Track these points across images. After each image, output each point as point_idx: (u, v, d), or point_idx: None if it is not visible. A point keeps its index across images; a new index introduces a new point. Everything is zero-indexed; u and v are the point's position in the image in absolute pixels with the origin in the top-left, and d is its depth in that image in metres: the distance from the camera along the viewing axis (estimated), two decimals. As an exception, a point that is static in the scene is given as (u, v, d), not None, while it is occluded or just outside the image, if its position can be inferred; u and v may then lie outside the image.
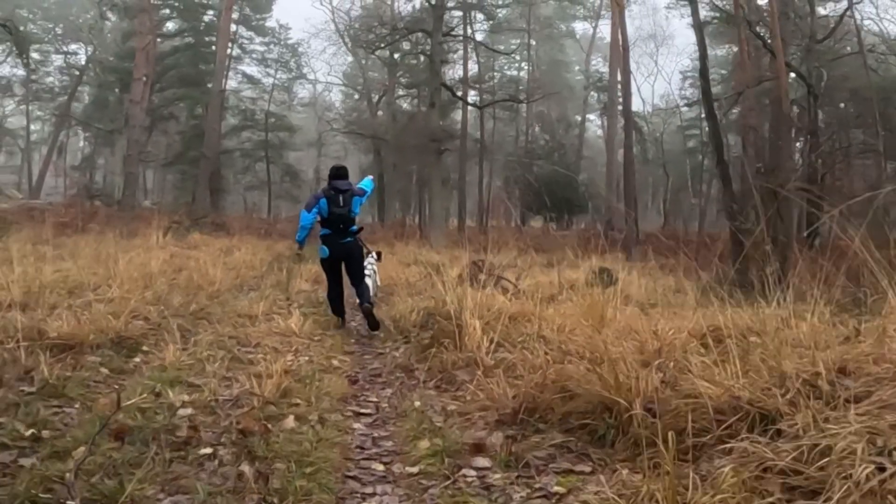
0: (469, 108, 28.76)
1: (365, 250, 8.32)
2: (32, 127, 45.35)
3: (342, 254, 7.00)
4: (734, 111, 34.87)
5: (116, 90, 35.23)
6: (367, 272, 8.61)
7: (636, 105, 30.47)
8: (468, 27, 28.23)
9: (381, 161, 31.35)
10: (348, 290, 7.39)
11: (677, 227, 34.03)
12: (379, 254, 9.73)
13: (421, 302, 7.04)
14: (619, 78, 28.38)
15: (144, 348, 5.47)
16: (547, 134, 32.79)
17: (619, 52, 28.48)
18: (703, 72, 15.88)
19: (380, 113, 33.58)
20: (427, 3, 24.00)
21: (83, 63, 39.61)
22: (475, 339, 4.96)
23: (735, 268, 14.23)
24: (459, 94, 26.80)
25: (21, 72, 41.21)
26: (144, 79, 31.78)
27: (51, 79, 41.21)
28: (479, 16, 29.18)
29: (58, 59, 40.78)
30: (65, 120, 39.06)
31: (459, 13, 27.14)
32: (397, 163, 30.23)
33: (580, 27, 38.92)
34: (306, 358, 5.41)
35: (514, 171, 31.94)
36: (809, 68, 21.13)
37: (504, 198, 30.19)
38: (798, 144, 24.15)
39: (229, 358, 5.17)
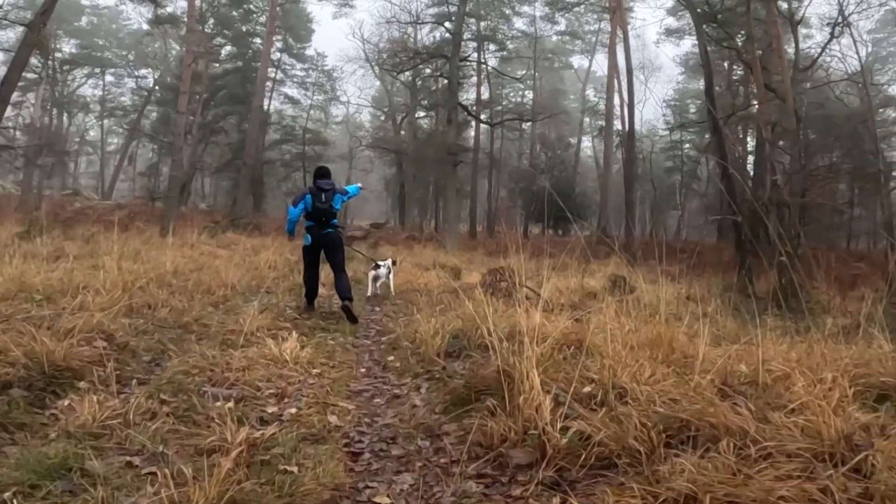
0: (480, 126, 26.61)
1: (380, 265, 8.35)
2: (113, 139, 44.46)
3: (323, 243, 6.51)
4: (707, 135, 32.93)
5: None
6: (382, 272, 8.25)
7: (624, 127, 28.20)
8: (482, 54, 26.05)
9: (403, 173, 29.54)
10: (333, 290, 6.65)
11: (660, 236, 31.86)
12: (394, 261, 9.20)
13: (447, 320, 4.85)
14: (615, 102, 26.25)
15: (82, 385, 3.31)
16: (548, 151, 30.53)
17: (615, 80, 26.36)
18: (709, 91, 13.70)
19: (402, 132, 31.59)
20: (448, 34, 22.06)
21: (151, 85, 38.02)
22: (533, 399, 2.74)
23: (738, 276, 11.98)
24: (474, 111, 24.64)
25: (98, 92, 40.30)
26: (200, 96, 29.97)
27: (124, 98, 40.07)
28: (492, 46, 27.07)
29: (130, 82, 39.64)
30: (135, 133, 38.05)
31: (474, 43, 25.06)
32: (416, 174, 28.36)
33: (576, 61, 36.68)
34: (294, 409, 3.21)
35: (518, 183, 29.78)
36: (793, 94, 18.82)
37: (509, 206, 28.05)
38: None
39: (182, 411, 2.99)
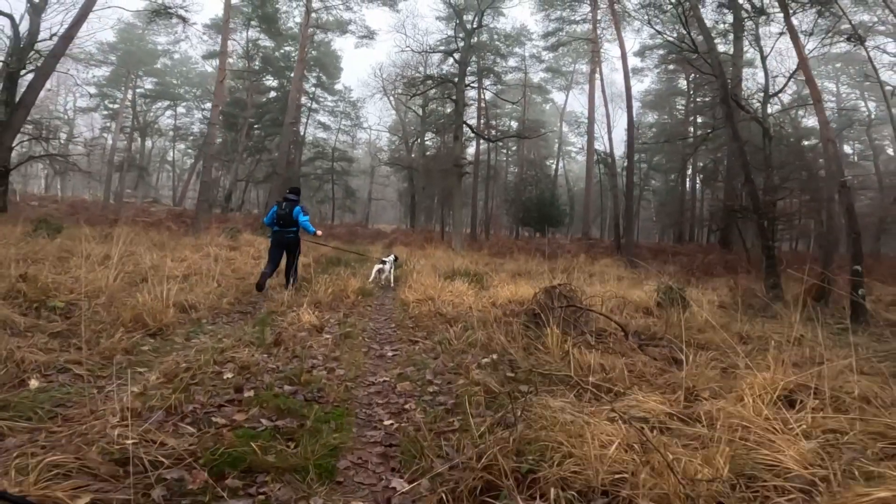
0: (480, 146, 22.88)
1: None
2: (186, 159, 41.70)
3: (283, 244, 6.02)
4: (657, 157, 29.38)
5: (232, 133, 30.09)
6: (386, 267, 7.44)
7: (603, 146, 24.55)
8: (481, 84, 22.36)
9: (414, 185, 26.00)
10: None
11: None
12: (396, 258, 8.25)
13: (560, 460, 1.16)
14: (595, 125, 22.61)
15: None
16: (533, 169, 26.86)
17: (597, 107, 22.75)
18: (725, 98, 10.01)
19: (413, 154, 27.91)
20: (456, 64, 18.51)
21: (214, 115, 34.50)
22: None
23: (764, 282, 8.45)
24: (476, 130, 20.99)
25: (172, 121, 37.39)
26: (245, 120, 26.27)
27: (194, 126, 36.70)
28: (489, 78, 23.30)
29: (197, 113, 36.60)
30: (201, 154, 34.92)
31: (474, 77, 21.39)
32: (425, 186, 24.81)
33: (555, 96, 32.96)
34: None
35: (509, 194, 26.18)
36: (764, 115, 15.25)
37: (503, 213, 24.37)
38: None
39: None
